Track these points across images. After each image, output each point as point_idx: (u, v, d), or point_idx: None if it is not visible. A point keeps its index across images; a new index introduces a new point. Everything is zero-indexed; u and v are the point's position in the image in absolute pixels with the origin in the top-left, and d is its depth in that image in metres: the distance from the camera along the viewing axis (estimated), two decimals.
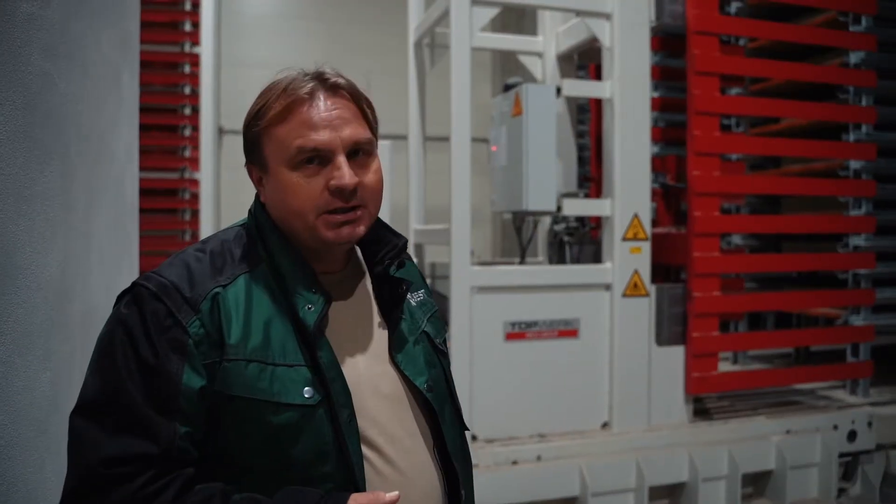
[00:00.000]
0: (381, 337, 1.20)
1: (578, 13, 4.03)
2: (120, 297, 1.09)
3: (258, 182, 1.17)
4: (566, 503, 3.86)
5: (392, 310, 1.21)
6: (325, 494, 1.01)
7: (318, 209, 1.08)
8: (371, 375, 1.14)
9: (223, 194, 9.19)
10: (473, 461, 3.59)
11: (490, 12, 3.84)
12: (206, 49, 8.17)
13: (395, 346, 1.18)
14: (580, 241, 4.43)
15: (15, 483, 1.38)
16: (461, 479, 1.20)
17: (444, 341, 1.34)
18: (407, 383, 1.19)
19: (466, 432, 1.32)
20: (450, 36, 3.77)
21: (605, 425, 4.08)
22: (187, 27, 8.67)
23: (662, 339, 4.12)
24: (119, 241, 2.13)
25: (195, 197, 8.54)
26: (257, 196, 1.19)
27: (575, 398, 4.02)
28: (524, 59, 4.82)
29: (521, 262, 4.35)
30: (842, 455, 4.30)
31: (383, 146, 3.75)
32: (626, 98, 4.00)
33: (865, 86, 4.44)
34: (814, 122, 4.64)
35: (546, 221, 4.77)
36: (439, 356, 1.27)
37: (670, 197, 4.53)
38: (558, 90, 4.02)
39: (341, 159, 1.08)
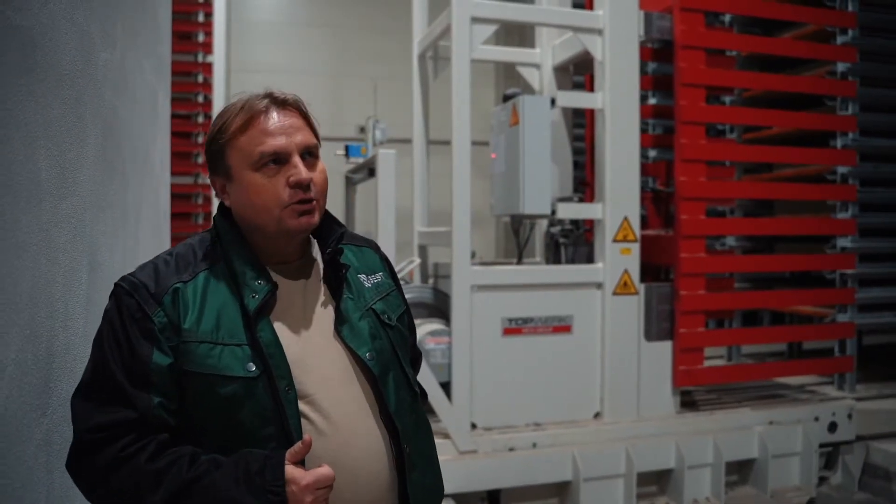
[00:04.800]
0: (328, 315, 1.37)
1: (573, 29, 4.29)
2: (110, 296, 1.31)
3: (221, 190, 1.36)
4: (560, 488, 4.13)
5: (337, 290, 1.39)
6: (268, 454, 1.19)
7: (282, 203, 1.27)
8: (317, 349, 1.32)
9: None
10: (472, 447, 3.85)
11: (489, 28, 4.11)
12: (218, 58, 8.43)
13: (340, 321, 1.36)
14: (575, 243, 4.69)
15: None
16: (401, 435, 1.34)
17: (402, 316, 1.51)
18: (351, 354, 1.35)
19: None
20: (451, 49, 4.04)
21: (597, 415, 4.34)
22: (200, 38, 8.96)
23: (651, 334, 4.38)
24: (156, 243, 2.46)
25: (207, 200, 8.86)
26: (220, 205, 1.39)
27: (568, 390, 4.28)
28: (522, 70, 5.08)
29: (519, 263, 4.62)
30: (822, 445, 4.54)
31: (389, 154, 3.99)
32: (616, 108, 4.26)
33: (849, 95, 4.69)
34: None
35: (543, 224, 5.03)
36: (385, 329, 1.41)
37: (660, 201, 4.78)
38: (553, 101, 4.28)
39: (297, 159, 1.29)
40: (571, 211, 4.34)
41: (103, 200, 1.75)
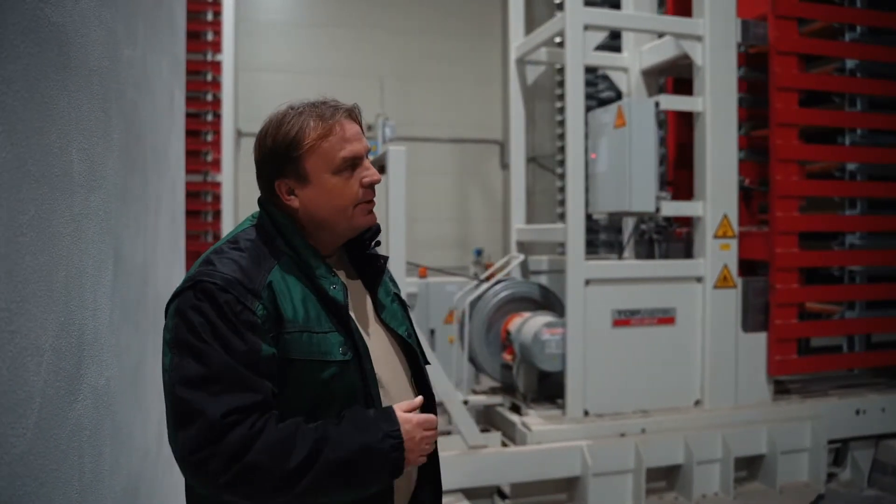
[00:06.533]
0: (367, 302, 1.51)
1: (676, 36, 4.51)
2: (178, 293, 1.33)
3: (287, 193, 1.41)
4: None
5: (373, 280, 1.53)
6: (377, 410, 1.35)
7: (356, 201, 1.40)
8: (371, 330, 1.47)
9: (241, 194, 9.56)
10: (585, 435, 3.98)
11: (600, 35, 4.33)
12: (226, 57, 8.51)
13: (379, 307, 1.51)
14: (667, 239, 4.91)
15: (120, 430, 1.73)
16: (434, 405, 1.52)
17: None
18: (392, 333, 1.51)
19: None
20: (564, 55, 4.26)
21: (697, 403, 4.57)
22: (209, 37, 9.03)
23: (748, 326, 4.61)
24: (173, 238, 2.48)
25: (217, 198, 8.96)
26: (267, 203, 1.46)
27: (671, 378, 4.51)
28: (611, 74, 5.30)
29: (620, 258, 4.84)
30: (831, 442, 4.60)
31: (399, 151, 3.86)
32: (716, 111, 4.50)
33: None
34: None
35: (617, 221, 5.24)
36: (406, 311, 1.58)
37: (749, 198, 5.00)
38: (657, 104, 4.50)
39: (367, 162, 1.42)
40: (674, 208, 4.56)
41: (127, 194, 1.80)
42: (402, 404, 1.37)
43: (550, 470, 4.10)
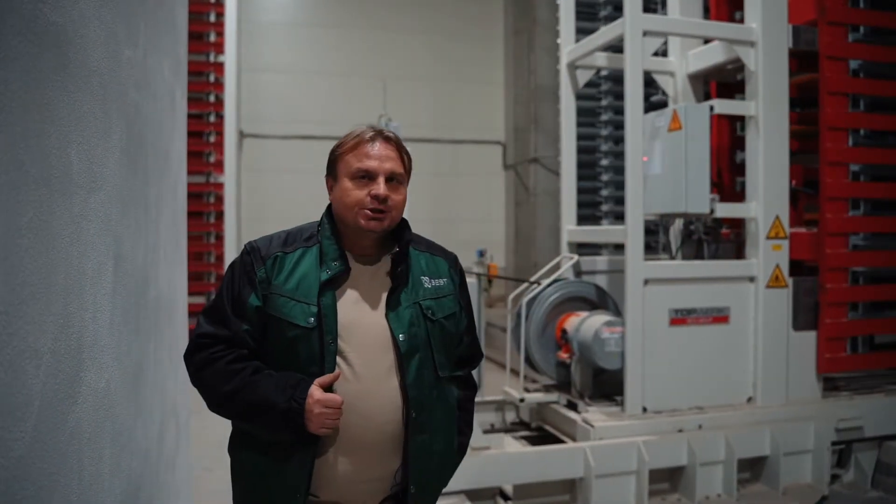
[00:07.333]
0: (382, 297, 1.74)
1: (729, 41, 4.62)
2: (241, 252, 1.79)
3: (330, 188, 1.77)
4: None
5: (395, 282, 1.74)
6: (304, 378, 1.62)
7: (361, 205, 1.67)
8: (365, 321, 1.69)
9: (243, 195, 9.56)
10: (645, 431, 4.10)
11: (657, 41, 4.43)
12: (229, 58, 8.52)
13: (389, 307, 1.72)
14: (716, 240, 5.02)
15: (120, 432, 1.75)
16: (410, 402, 1.68)
17: (450, 316, 1.80)
18: (392, 333, 1.70)
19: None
20: (623, 60, 4.36)
21: (749, 399, 4.68)
22: (212, 37, 9.04)
23: (798, 324, 4.72)
24: (175, 239, 2.50)
25: (219, 199, 8.99)
26: (329, 206, 1.79)
27: (725, 376, 4.62)
28: (658, 77, 5.40)
29: (672, 258, 4.94)
30: (835, 443, 4.60)
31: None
32: (768, 114, 4.61)
33: None
34: None
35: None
36: (426, 322, 1.74)
37: (796, 200, 5.11)
38: (711, 108, 4.61)
39: (381, 179, 1.68)
40: (727, 210, 4.67)
41: (127, 195, 1.81)
42: (322, 378, 1.62)
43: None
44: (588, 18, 6.08)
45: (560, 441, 4.58)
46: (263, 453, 1.67)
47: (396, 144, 1.75)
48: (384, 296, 1.73)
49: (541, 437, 4.90)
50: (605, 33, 4.72)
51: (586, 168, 6.20)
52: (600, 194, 6.35)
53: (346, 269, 1.70)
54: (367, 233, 1.69)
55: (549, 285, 4.88)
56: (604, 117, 6.26)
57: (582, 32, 5.37)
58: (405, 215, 1.81)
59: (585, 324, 4.55)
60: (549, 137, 10.42)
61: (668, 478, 4.42)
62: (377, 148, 1.70)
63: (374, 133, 1.73)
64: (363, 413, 1.65)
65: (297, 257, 1.70)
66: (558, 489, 4.24)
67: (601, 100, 6.36)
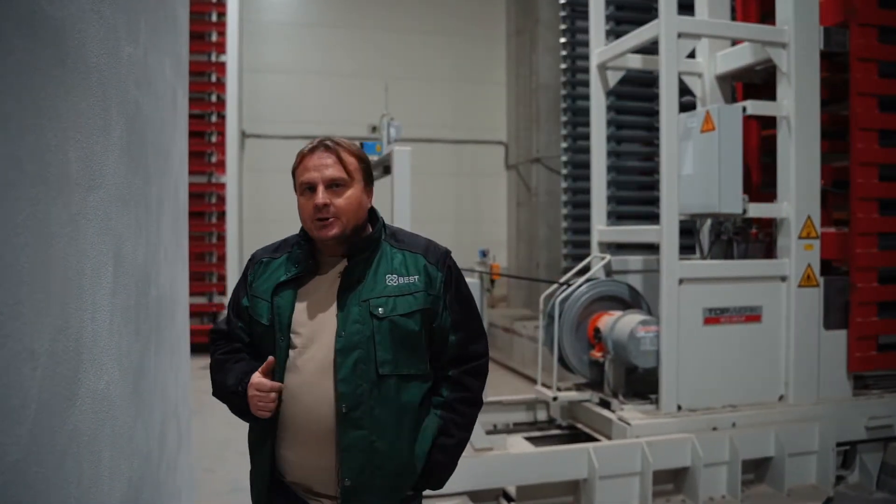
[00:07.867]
0: (335, 295, 1.80)
1: (762, 43, 4.67)
2: None
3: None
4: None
5: (345, 282, 1.79)
6: (252, 367, 1.80)
7: (311, 217, 1.74)
8: (319, 319, 1.78)
9: (244, 195, 9.52)
10: (681, 429, 4.10)
11: (692, 43, 4.47)
12: (230, 58, 8.48)
13: (339, 306, 1.78)
14: (746, 240, 5.06)
15: (120, 434, 1.72)
16: (340, 397, 1.72)
17: (413, 313, 1.78)
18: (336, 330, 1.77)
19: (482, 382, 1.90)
20: (660, 62, 4.40)
21: (781, 398, 4.72)
22: (213, 37, 9.02)
23: (829, 323, 4.77)
24: (176, 238, 2.47)
25: (221, 199, 8.97)
26: None
27: (757, 374, 4.66)
28: (685, 78, 5.44)
29: (704, 258, 4.99)
30: (839, 444, 4.61)
31: (404, 151, 3.94)
32: (800, 116, 4.65)
33: None
34: None
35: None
36: (373, 319, 1.75)
37: (825, 200, 5.15)
38: (744, 109, 4.65)
39: (320, 188, 1.73)
40: (760, 210, 4.72)
41: (127, 194, 1.78)
42: (262, 367, 1.77)
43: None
44: (588, 18, 6.08)
45: (594, 439, 4.62)
46: (252, 435, 1.89)
47: (334, 149, 1.77)
48: (348, 291, 1.81)
49: (572, 435, 4.95)
50: (639, 35, 4.76)
51: (586, 168, 6.21)
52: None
53: (305, 271, 1.81)
54: (322, 240, 1.77)
55: (580, 285, 4.92)
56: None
57: (581, 32, 5.36)
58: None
59: (620, 323, 4.59)
60: (551, 137, 10.44)
61: (672, 479, 4.39)
62: (314, 159, 1.76)
63: (315, 144, 1.79)
64: (305, 405, 1.75)
65: (280, 262, 1.86)
66: (562, 490, 4.21)
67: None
